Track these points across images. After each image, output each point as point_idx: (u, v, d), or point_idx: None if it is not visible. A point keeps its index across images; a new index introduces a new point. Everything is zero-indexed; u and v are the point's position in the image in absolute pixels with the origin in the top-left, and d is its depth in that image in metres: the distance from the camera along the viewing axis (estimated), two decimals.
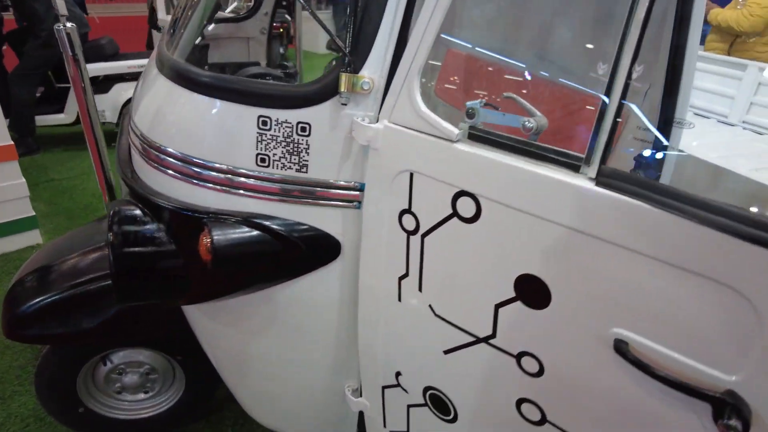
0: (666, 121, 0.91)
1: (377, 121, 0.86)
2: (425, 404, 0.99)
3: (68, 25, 2.01)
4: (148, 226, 0.98)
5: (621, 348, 0.64)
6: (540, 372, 0.75)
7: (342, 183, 0.94)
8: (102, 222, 1.58)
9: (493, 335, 0.79)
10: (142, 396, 1.70)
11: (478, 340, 0.81)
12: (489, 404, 0.85)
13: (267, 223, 0.94)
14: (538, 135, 0.72)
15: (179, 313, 1.37)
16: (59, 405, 1.58)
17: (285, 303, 1.06)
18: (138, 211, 1.00)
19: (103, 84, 3.71)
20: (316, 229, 0.96)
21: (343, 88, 0.84)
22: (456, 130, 0.74)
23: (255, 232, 0.93)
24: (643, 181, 0.60)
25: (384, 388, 1.07)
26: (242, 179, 0.93)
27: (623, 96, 0.61)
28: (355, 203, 0.96)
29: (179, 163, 0.96)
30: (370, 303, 0.97)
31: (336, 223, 0.97)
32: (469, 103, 0.74)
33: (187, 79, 0.94)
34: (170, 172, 0.98)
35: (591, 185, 0.63)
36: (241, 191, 0.94)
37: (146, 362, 1.62)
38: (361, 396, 1.17)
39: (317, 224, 0.96)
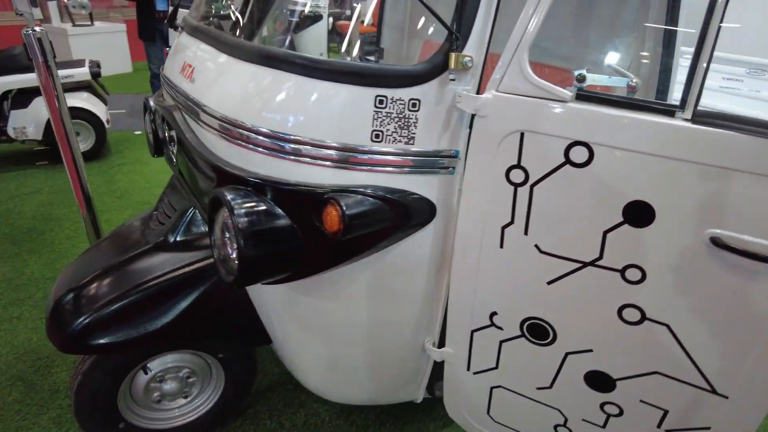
0: None
1: (477, 93, 1.01)
2: (521, 335, 1.15)
3: (38, 29, 1.88)
4: (265, 207, 1.03)
5: (716, 240, 0.86)
6: (642, 279, 0.96)
7: (442, 151, 1.07)
8: (132, 225, 1.53)
9: (600, 257, 0.98)
10: (181, 402, 1.68)
11: (585, 265, 1.00)
12: (590, 316, 1.04)
13: (381, 193, 1.04)
14: (636, 92, 0.92)
15: (244, 304, 1.40)
16: (100, 423, 1.52)
17: (384, 267, 1.17)
18: (252, 195, 1.04)
19: (20, 98, 3.38)
20: (420, 195, 1.09)
21: (452, 66, 0.98)
22: (568, 93, 0.91)
23: (374, 202, 1.03)
24: (728, 116, 0.83)
25: (473, 331, 1.22)
26: (358, 155, 1.02)
27: (712, 51, 0.82)
28: (450, 169, 1.10)
29: (291, 145, 1.03)
30: (469, 254, 1.12)
31: (433, 189, 1.10)
32: (577, 71, 0.92)
33: (301, 66, 1.01)
34: (281, 155, 1.04)
35: (688, 124, 0.85)
36: (357, 166, 1.03)
37: (185, 365, 1.61)
38: (443, 346, 1.31)
39: (419, 191, 1.09)
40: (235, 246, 1.03)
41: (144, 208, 3.50)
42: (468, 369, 1.30)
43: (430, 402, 1.66)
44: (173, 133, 1.38)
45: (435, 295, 1.26)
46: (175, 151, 1.39)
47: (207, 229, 1.41)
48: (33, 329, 2.33)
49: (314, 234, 1.05)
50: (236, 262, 1.02)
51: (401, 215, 1.07)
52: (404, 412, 1.92)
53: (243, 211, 1.00)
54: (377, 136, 1.02)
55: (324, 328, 1.29)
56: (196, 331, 1.39)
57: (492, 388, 1.30)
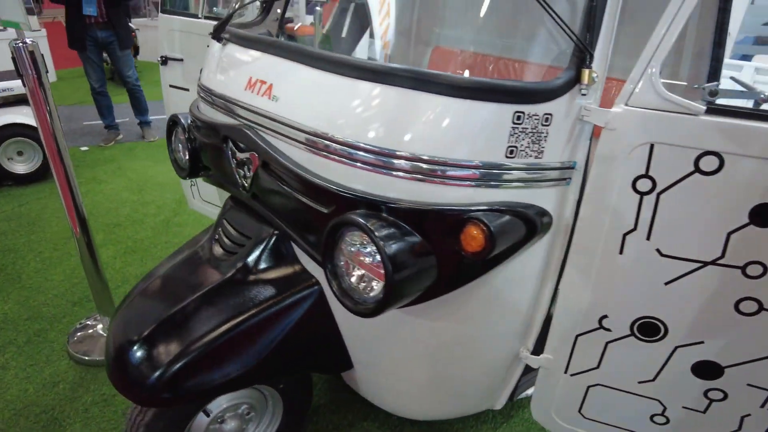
0: None
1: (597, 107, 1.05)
2: (629, 335, 1.21)
3: (29, 40, 1.70)
4: (402, 231, 1.00)
5: None
6: (763, 273, 1.04)
7: (564, 164, 1.10)
8: (188, 256, 1.41)
9: (722, 256, 1.05)
10: None
11: (705, 264, 1.07)
12: (706, 311, 1.12)
13: (515, 209, 1.05)
14: (761, 104, 1.00)
15: (331, 332, 1.35)
16: None
17: (499, 281, 1.18)
18: (387, 219, 1.00)
19: None
20: (542, 208, 1.11)
21: (585, 81, 1.01)
22: (701, 106, 0.97)
23: (511, 219, 1.04)
24: None
25: (578, 336, 1.26)
26: (493, 172, 1.03)
27: None
28: (567, 180, 1.13)
29: (428, 166, 1.01)
30: (584, 261, 1.16)
31: (551, 200, 1.13)
32: (707, 85, 0.98)
33: (434, 84, 0.99)
34: (416, 177, 1.01)
35: None
36: (491, 183, 1.03)
37: (244, 401, 1.53)
38: (540, 353, 1.34)
39: (541, 203, 1.11)
40: (377, 272, 1.00)
41: (115, 230, 3.23)
42: (566, 372, 1.34)
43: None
44: (245, 155, 1.29)
45: (539, 304, 1.28)
46: (249, 173, 1.30)
47: (291, 256, 1.34)
48: (26, 379, 2.08)
49: (449, 254, 1.03)
50: (382, 288, 0.98)
51: (529, 229, 1.09)
52: (452, 421, 1.94)
53: (384, 234, 0.97)
54: (511, 152, 1.03)
55: (431, 346, 1.28)
56: (288, 366, 1.32)
57: (589, 387, 1.35)
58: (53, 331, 2.34)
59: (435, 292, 1.10)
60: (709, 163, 1.00)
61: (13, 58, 1.75)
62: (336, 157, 1.09)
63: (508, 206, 1.04)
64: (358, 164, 1.06)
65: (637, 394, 1.30)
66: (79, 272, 2.77)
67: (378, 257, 1.00)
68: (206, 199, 2.58)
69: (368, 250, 1.02)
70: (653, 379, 1.26)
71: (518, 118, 1.01)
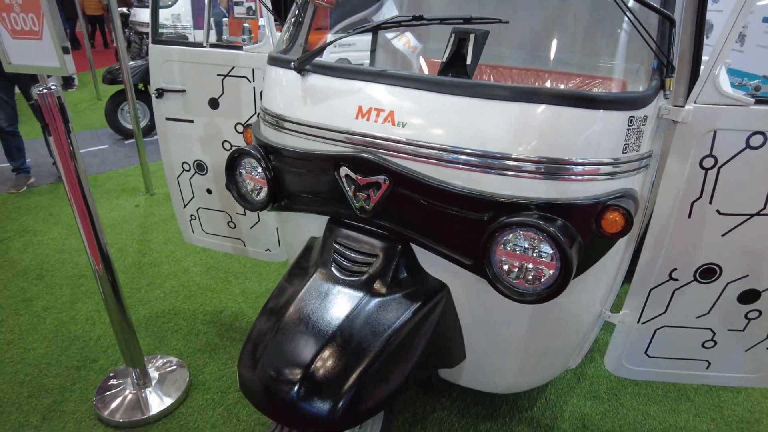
0: None
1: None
2: (692, 281, 1.53)
3: (53, 86, 1.60)
4: (560, 223, 1.19)
5: None
6: None
7: (649, 153, 1.37)
8: (306, 286, 1.44)
9: (764, 207, 1.40)
10: None
11: (752, 216, 1.42)
12: (752, 251, 1.46)
13: (631, 194, 1.30)
14: None
15: (455, 328, 1.51)
16: None
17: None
18: (544, 217, 1.19)
19: None
20: (636, 190, 1.37)
21: (669, 88, 1.28)
22: (750, 99, 1.30)
23: (632, 202, 1.28)
24: None
25: (651, 289, 1.56)
26: (619, 166, 1.26)
27: None
28: (647, 166, 1.40)
29: (574, 167, 1.21)
30: (661, 228, 1.44)
31: (638, 184, 1.40)
32: (752, 82, 1.31)
33: (574, 98, 1.19)
34: (560, 177, 1.21)
35: None
36: (616, 175, 1.26)
37: None
38: (620, 310, 1.62)
39: (635, 186, 1.37)
40: (546, 263, 1.18)
41: (82, 281, 2.93)
42: (638, 322, 1.63)
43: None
44: (369, 178, 1.36)
45: (621, 268, 1.55)
46: (374, 195, 1.37)
47: (416, 266, 1.45)
48: None
49: (589, 237, 1.25)
50: (557, 276, 1.17)
51: (637, 207, 1.34)
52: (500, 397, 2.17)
53: (552, 229, 1.16)
54: (626, 148, 1.27)
55: (539, 322, 1.48)
56: (428, 367, 1.43)
57: (656, 330, 1.66)
58: (69, 402, 2.12)
59: (578, 271, 1.30)
60: (756, 141, 1.33)
61: (35, 106, 1.59)
62: (483, 170, 1.24)
63: (625, 192, 1.29)
64: (509, 173, 1.22)
65: (694, 327, 1.64)
66: (63, 333, 2.50)
67: (550, 251, 1.18)
68: (209, 231, 2.49)
69: (529, 245, 1.20)
70: (708, 312, 1.60)
71: (631, 121, 1.25)
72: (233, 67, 2.03)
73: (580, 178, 1.23)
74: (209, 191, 2.35)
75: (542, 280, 1.22)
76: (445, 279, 1.44)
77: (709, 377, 1.78)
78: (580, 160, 1.22)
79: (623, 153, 1.27)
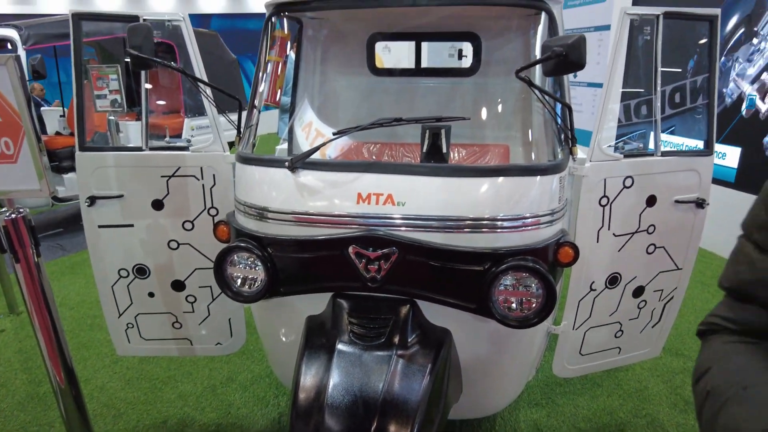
0: None
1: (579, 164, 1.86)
2: (605, 288, 2.05)
3: (23, 210, 1.58)
4: (539, 263, 1.57)
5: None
6: (654, 230, 2.02)
7: (567, 199, 1.86)
8: (332, 363, 1.57)
9: (639, 227, 1.99)
10: None
11: (633, 234, 1.99)
12: (636, 258, 2.04)
13: (566, 231, 1.75)
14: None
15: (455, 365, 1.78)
16: None
17: None
18: (525, 259, 1.55)
19: None
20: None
21: (575, 154, 1.80)
22: (621, 155, 1.87)
23: (570, 238, 1.73)
24: None
25: (579, 300, 2.03)
26: (555, 215, 1.69)
27: None
28: (567, 209, 1.89)
29: (531, 219, 1.61)
30: (582, 251, 1.94)
31: (566, 223, 1.87)
32: (623, 144, 1.89)
33: (529, 170, 1.60)
34: (522, 228, 1.61)
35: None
36: (554, 222, 1.70)
37: None
38: (558, 324, 2.06)
39: (565, 225, 1.84)
40: (534, 293, 1.54)
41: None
42: (573, 328, 2.10)
43: None
44: (379, 252, 1.57)
45: (560, 288, 2.00)
46: (385, 266, 1.57)
47: (422, 318, 1.67)
48: None
49: (552, 266, 1.65)
50: (543, 303, 1.53)
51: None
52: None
53: (539, 268, 1.53)
54: (559, 199, 1.72)
55: (524, 340, 1.83)
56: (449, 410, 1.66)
57: (585, 332, 2.13)
58: None
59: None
60: (628, 182, 1.92)
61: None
62: (475, 231, 1.56)
63: (563, 231, 1.73)
64: (498, 230, 1.57)
65: (609, 324, 2.16)
66: None
67: (538, 284, 1.54)
68: (150, 337, 2.34)
69: (517, 283, 1.55)
70: (616, 310, 2.14)
71: (560, 180, 1.71)
72: (179, 168, 2.06)
73: (540, 226, 1.64)
74: (151, 294, 2.24)
75: (533, 306, 1.57)
76: (446, 324, 1.71)
77: (619, 360, 2.33)
78: (541, 213, 1.63)
79: (558, 203, 1.73)
